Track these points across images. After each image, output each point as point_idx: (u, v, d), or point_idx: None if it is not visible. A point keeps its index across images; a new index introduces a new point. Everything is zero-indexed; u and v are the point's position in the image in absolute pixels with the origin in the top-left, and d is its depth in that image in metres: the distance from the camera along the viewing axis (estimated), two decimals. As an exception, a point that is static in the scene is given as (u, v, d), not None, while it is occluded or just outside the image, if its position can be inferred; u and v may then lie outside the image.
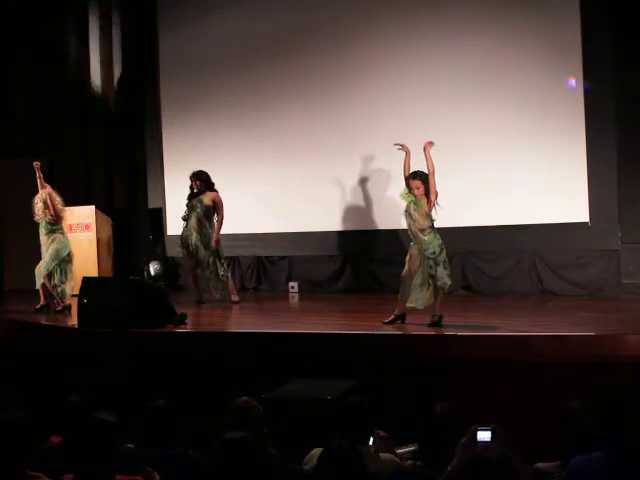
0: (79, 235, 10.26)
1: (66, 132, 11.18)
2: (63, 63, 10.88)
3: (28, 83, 10.83)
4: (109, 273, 10.19)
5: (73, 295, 8.36)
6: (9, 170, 9.16)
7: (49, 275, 8.48)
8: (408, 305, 6.80)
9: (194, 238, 8.70)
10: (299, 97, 9.88)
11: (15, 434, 3.47)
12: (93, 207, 10.34)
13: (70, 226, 10.28)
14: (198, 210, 8.72)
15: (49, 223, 8.47)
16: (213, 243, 8.68)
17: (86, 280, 7.65)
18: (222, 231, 8.79)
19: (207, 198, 8.74)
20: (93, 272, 9.77)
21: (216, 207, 8.76)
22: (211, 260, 8.70)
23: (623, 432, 3.46)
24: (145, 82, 10.91)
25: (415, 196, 6.67)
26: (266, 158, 10.03)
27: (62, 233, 8.59)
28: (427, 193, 6.65)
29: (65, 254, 8.55)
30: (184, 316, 7.38)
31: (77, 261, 9.98)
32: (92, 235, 10.24)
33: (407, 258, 6.79)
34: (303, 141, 9.86)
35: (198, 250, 8.70)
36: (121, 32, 10.91)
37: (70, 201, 10.32)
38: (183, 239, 8.81)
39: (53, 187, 8.75)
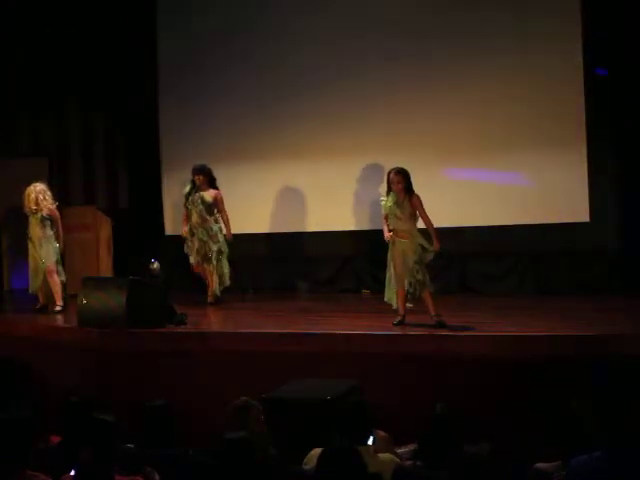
0: (79, 235, 10.25)
1: (66, 132, 11.17)
2: (63, 62, 10.86)
3: (28, 83, 10.81)
4: (109, 273, 10.17)
5: (73, 295, 8.36)
6: (9, 170, 9.15)
7: (50, 273, 8.50)
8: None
9: (200, 234, 8.58)
10: (299, 97, 9.86)
11: (15, 434, 3.47)
12: (93, 207, 10.33)
13: (70, 226, 10.29)
14: (200, 207, 8.56)
15: (45, 217, 8.49)
16: (228, 238, 8.60)
17: (86, 280, 7.65)
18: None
19: (208, 195, 8.58)
20: (93, 272, 9.75)
21: (217, 205, 8.61)
22: (215, 257, 8.59)
23: (623, 432, 3.47)
24: (145, 81, 10.90)
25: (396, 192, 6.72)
26: (266, 158, 10.01)
27: (54, 230, 8.60)
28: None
29: (60, 252, 8.59)
30: (184, 316, 7.38)
31: (77, 261, 10.00)
32: (92, 235, 10.23)
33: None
34: (303, 141, 9.84)
35: (204, 246, 8.56)
36: (121, 32, 10.89)
37: (70, 201, 10.36)
38: (188, 237, 8.67)
39: (53, 187, 8.77)
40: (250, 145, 10.10)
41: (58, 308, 8.50)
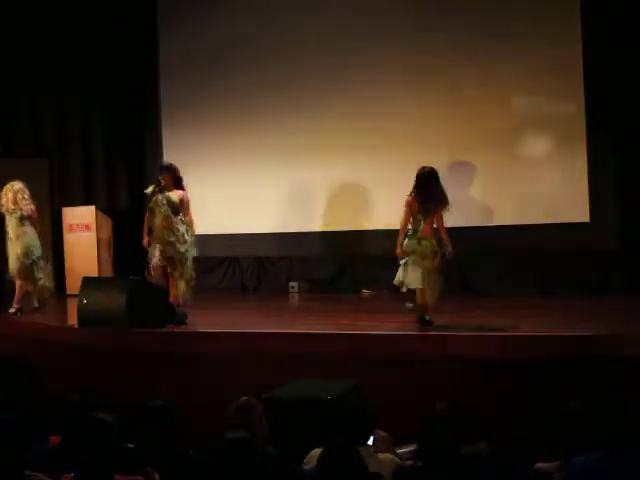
0: (79, 235, 10.27)
1: (66, 132, 11.17)
2: (64, 63, 10.86)
3: (28, 83, 10.81)
4: (109, 273, 10.19)
5: (72, 295, 8.36)
6: (9, 170, 9.15)
7: (26, 274, 8.45)
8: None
9: (165, 235, 7.76)
10: (300, 97, 9.88)
11: (14, 434, 3.47)
12: (93, 207, 10.35)
13: (70, 226, 10.31)
14: (165, 207, 7.75)
15: (24, 216, 8.42)
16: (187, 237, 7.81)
17: (86, 280, 7.64)
18: (222, 231, 8.70)
19: (175, 195, 7.80)
20: (93, 272, 9.77)
21: (182, 207, 7.81)
22: (180, 259, 7.77)
23: (623, 432, 3.46)
24: (145, 82, 10.91)
25: None
26: (266, 158, 10.02)
27: (31, 226, 8.53)
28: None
29: (39, 251, 8.53)
30: (184, 316, 7.38)
31: (77, 261, 10.01)
32: (92, 235, 10.24)
33: None
34: (303, 141, 9.85)
35: (170, 247, 7.76)
36: (121, 32, 10.89)
37: (70, 201, 10.36)
38: (151, 238, 7.86)
39: (52, 187, 8.76)
40: (251, 145, 10.10)
41: (36, 305, 8.49)
